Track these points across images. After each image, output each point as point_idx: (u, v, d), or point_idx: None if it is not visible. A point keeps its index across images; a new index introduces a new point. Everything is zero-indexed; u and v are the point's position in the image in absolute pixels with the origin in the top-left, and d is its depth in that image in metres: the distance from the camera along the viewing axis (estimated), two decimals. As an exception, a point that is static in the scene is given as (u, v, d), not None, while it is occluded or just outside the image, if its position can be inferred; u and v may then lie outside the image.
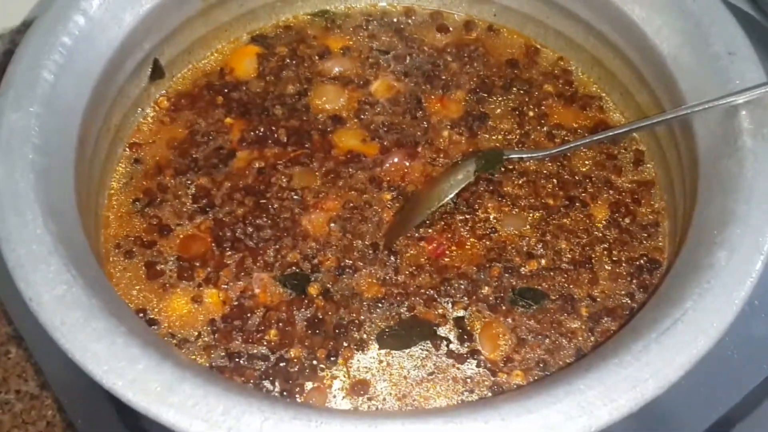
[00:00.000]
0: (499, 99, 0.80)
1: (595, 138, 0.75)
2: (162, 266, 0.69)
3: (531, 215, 0.73)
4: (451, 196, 0.72)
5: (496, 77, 0.82)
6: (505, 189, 0.74)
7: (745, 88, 0.64)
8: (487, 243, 0.71)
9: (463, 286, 0.68)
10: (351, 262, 0.69)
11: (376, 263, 0.69)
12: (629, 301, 0.68)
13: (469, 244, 0.71)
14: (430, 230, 0.71)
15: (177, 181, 0.74)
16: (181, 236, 0.71)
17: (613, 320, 0.67)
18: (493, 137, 0.77)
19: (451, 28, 0.86)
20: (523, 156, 0.75)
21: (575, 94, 0.81)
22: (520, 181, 0.74)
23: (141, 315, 0.66)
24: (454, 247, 0.71)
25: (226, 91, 0.80)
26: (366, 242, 0.71)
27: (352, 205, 0.73)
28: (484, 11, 0.85)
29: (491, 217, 0.72)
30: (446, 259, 0.70)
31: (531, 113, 0.79)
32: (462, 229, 0.72)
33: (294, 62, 0.82)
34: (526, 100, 0.80)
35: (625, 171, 0.76)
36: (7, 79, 0.63)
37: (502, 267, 0.69)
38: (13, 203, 0.57)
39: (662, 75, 0.70)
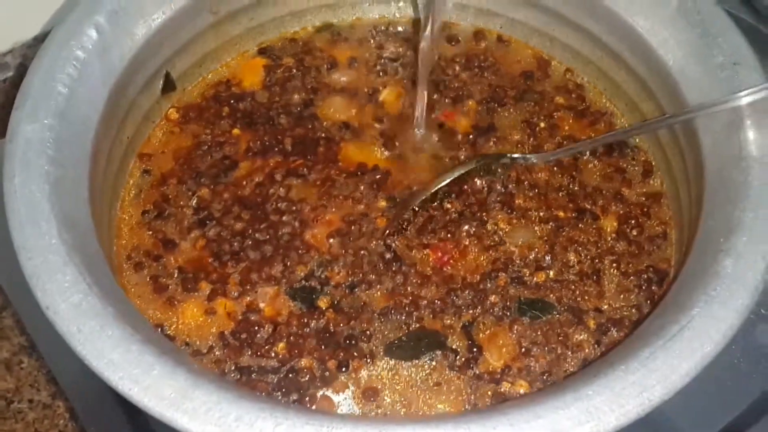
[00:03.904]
0: (510, 110, 0.80)
1: (599, 139, 0.76)
2: (165, 279, 0.70)
3: (540, 227, 0.73)
4: (452, 178, 0.73)
5: (508, 88, 0.82)
6: (517, 201, 0.74)
7: (748, 89, 0.64)
8: (493, 254, 0.71)
9: (469, 297, 0.69)
10: (361, 276, 0.70)
11: (384, 274, 0.70)
12: (636, 313, 0.69)
13: (474, 254, 0.72)
14: (434, 239, 0.72)
15: (179, 192, 0.74)
16: (185, 249, 0.71)
17: (620, 331, 0.67)
18: (504, 149, 0.78)
19: (460, 39, 0.86)
20: (526, 157, 0.75)
21: (587, 109, 0.81)
22: (531, 194, 0.75)
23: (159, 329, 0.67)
24: (458, 256, 0.71)
25: (232, 101, 0.80)
26: (370, 255, 0.71)
27: (351, 218, 0.73)
28: (491, 23, 0.86)
29: (500, 228, 0.73)
30: (450, 269, 0.71)
31: (542, 124, 0.79)
32: (468, 239, 0.72)
33: (300, 73, 0.83)
34: (537, 110, 0.80)
35: (634, 183, 0.76)
36: (22, 91, 0.64)
37: (509, 277, 0.70)
38: (29, 214, 0.58)
39: (667, 86, 0.71)
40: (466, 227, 0.73)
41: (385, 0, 0.87)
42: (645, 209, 0.74)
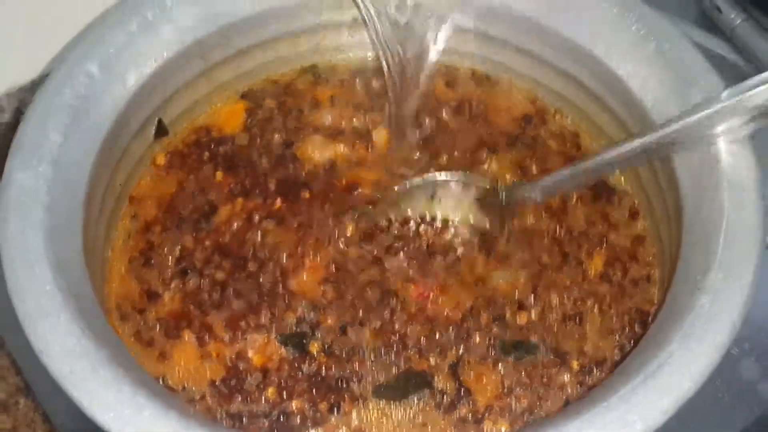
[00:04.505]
0: (503, 155, 0.81)
1: (578, 165, 0.73)
2: (148, 333, 0.70)
3: (524, 270, 0.74)
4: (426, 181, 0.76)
5: (499, 134, 0.82)
6: (499, 247, 0.75)
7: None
8: (474, 291, 0.72)
9: (453, 335, 0.70)
10: (351, 318, 0.71)
11: (373, 311, 0.71)
12: (619, 353, 0.69)
13: (454, 291, 0.72)
14: (416, 273, 0.73)
15: (164, 239, 0.75)
16: (167, 300, 0.72)
17: (603, 372, 0.68)
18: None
19: (451, 83, 0.86)
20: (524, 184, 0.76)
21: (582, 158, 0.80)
22: (514, 240, 0.75)
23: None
24: (439, 293, 0.72)
25: (213, 146, 0.81)
26: (359, 294, 0.72)
27: (335, 265, 0.74)
28: (476, 66, 0.87)
29: (478, 267, 0.74)
30: (431, 305, 0.71)
31: (534, 168, 0.80)
32: (449, 276, 0.73)
33: (282, 114, 0.83)
34: (530, 154, 0.81)
35: (621, 227, 0.77)
36: (16, 140, 0.65)
37: (491, 316, 0.71)
38: (23, 260, 0.59)
39: (647, 127, 0.71)
40: (443, 262, 0.74)
41: (369, 43, 0.87)
42: (632, 253, 0.75)
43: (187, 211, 0.77)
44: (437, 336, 0.70)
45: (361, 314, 0.71)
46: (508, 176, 0.79)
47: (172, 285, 0.72)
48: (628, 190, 0.79)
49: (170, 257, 0.74)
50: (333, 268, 0.73)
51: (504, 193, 0.76)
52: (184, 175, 0.79)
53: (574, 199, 0.78)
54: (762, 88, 0.60)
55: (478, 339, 0.70)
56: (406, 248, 0.75)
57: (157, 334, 0.70)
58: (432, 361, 0.69)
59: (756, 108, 0.61)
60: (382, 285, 0.73)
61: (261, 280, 0.73)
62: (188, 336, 0.70)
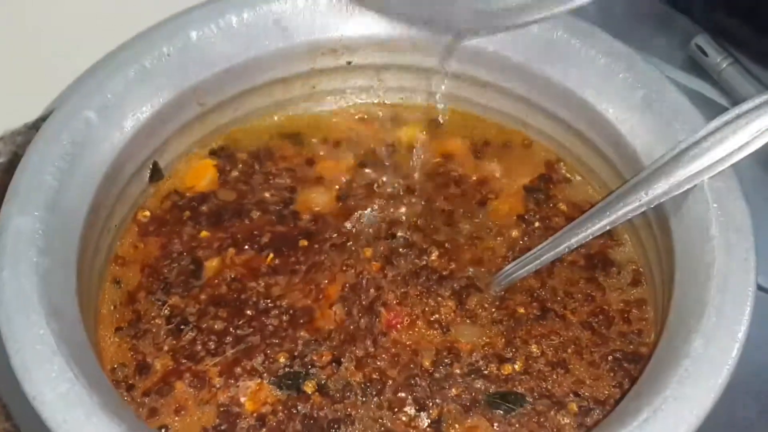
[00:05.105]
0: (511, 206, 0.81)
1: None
2: (139, 410, 0.68)
3: (491, 328, 0.72)
4: None
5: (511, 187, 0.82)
6: (468, 304, 0.74)
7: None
8: (440, 337, 0.71)
9: (428, 387, 0.68)
10: (353, 348, 0.70)
11: (362, 338, 0.71)
12: (618, 391, 0.69)
13: (421, 328, 0.72)
14: (394, 300, 0.73)
15: (149, 306, 0.73)
16: (158, 368, 0.70)
17: (603, 411, 0.68)
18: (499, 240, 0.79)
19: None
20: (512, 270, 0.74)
21: None
22: (487, 303, 0.74)
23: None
24: (408, 324, 0.72)
25: (193, 204, 0.80)
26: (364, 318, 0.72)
27: (348, 285, 0.74)
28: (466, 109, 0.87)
29: (445, 314, 0.73)
30: (396, 333, 0.71)
31: (537, 223, 0.79)
32: (417, 307, 0.73)
33: (258, 167, 0.83)
34: (536, 209, 0.80)
35: (613, 291, 0.75)
36: (13, 184, 0.66)
37: (464, 367, 0.70)
38: (18, 304, 0.59)
39: (637, 171, 0.72)
40: (411, 290, 0.74)
41: (365, 88, 0.88)
42: (625, 315, 0.74)
43: (173, 274, 0.75)
44: (412, 382, 0.69)
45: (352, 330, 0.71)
46: (514, 233, 0.78)
47: (166, 347, 0.71)
48: (633, 258, 0.78)
49: (159, 319, 0.72)
50: (345, 290, 0.74)
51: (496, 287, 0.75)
52: (165, 240, 0.78)
53: (565, 263, 0.77)
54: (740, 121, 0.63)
55: (456, 391, 0.68)
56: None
57: (151, 401, 0.68)
58: (412, 416, 0.67)
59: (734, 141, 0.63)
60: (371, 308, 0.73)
61: (266, 322, 0.72)
62: (181, 386, 0.69)
